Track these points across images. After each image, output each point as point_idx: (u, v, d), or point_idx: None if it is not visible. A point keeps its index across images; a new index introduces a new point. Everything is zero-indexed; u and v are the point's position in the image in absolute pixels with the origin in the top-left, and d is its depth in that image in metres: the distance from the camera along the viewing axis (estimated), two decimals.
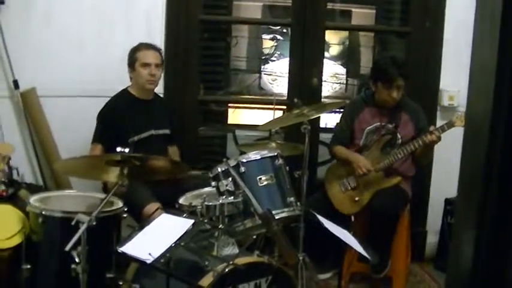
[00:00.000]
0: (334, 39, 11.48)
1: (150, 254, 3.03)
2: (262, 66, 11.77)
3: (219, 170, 3.87)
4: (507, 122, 1.45)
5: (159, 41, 5.33)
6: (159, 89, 5.24)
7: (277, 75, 11.05)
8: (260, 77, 11.48)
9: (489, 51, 1.47)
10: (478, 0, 1.57)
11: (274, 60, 11.76)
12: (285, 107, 5.66)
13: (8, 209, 4.43)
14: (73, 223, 3.39)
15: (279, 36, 11.48)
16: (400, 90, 4.77)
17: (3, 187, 4.70)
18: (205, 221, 3.66)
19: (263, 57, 11.84)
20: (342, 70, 11.78)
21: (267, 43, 11.81)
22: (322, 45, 5.89)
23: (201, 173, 4.65)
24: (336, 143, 5.06)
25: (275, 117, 4.69)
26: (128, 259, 3.28)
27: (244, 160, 3.87)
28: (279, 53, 11.65)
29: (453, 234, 2.24)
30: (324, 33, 5.75)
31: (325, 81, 9.65)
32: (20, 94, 5.25)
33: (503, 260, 1.51)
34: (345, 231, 3.75)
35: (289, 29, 6.31)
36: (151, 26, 5.46)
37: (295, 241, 3.87)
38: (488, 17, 1.49)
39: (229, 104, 6.90)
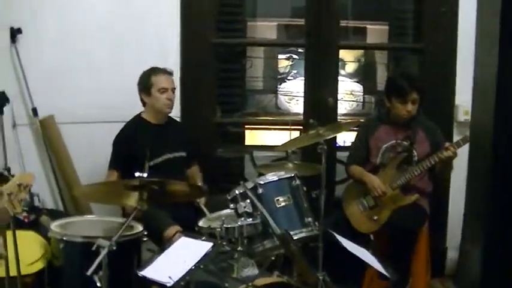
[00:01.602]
0: (349, 56, 11.52)
1: (170, 277, 3.08)
2: (279, 86, 11.79)
3: (237, 192, 3.92)
4: (509, 135, 1.48)
5: (174, 64, 5.38)
6: (176, 113, 5.27)
7: (293, 95, 11.08)
8: (277, 97, 11.50)
9: (489, 66, 1.50)
10: (478, 19, 1.60)
11: (290, 80, 11.78)
12: (301, 127, 5.69)
13: (30, 235, 4.50)
14: (94, 248, 3.42)
15: (294, 56, 11.52)
16: (415, 104, 4.77)
17: (25, 213, 4.77)
18: (224, 243, 3.69)
19: (279, 77, 11.87)
20: (359, 87, 11.80)
21: (283, 62, 11.85)
22: (337, 65, 5.91)
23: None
24: (352, 162, 5.06)
25: (292, 138, 4.72)
26: (149, 282, 3.31)
27: (262, 182, 3.92)
28: (295, 71, 11.68)
29: (461, 247, 2.26)
30: (338, 53, 5.77)
31: (341, 99, 9.65)
32: (39, 121, 5.33)
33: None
34: (364, 250, 3.77)
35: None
36: (166, 50, 5.52)
37: (314, 260, 3.89)
38: (488, 35, 1.53)
39: (246, 126, 6.93)
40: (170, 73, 4.98)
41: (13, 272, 3.77)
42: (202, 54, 5.60)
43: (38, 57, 5.34)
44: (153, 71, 4.93)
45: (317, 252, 3.93)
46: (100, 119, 5.42)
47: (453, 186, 5.56)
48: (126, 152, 4.83)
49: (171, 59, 5.45)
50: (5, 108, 4.46)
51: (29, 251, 4.23)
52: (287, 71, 11.89)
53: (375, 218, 4.77)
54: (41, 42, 5.37)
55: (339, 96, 6.05)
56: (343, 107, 10.81)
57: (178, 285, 3.11)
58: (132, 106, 5.07)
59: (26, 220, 4.71)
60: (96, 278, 3.37)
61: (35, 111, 5.30)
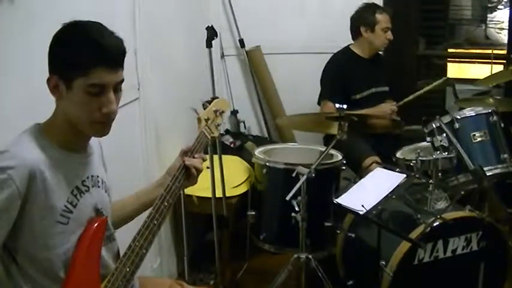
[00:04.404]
0: None
1: (363, 205, 3.17)
2: (489, 15, 11.33)
3: (434, 126, 3.94)
4: None
5: None
6: None
7: (501, 27, 10.60)
8: (486, 27, 11.07)
9: None
10: None
11: (501, 9, 11.29)
12: (504, 61, 5.54)
13: (236, 160, 4.79)
14: (294, 175, 3.59)
15: None
16: None
17: (231, 139, 5.05)
18: (417, 175, 3.74)
19: (489, 6, 11.40)
20: None
21: None
22: None
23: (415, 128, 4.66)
24: None
25: (494, 72, 4.63)
26: (344, 210, 3.42)
27: (459, 117, 3.91)
28: (506, 0, 11.18)
29: None
30: None
31: None
32: (246, 52, 5.58)
33: None
34: None
35: None
36: None
37: (510, 197, 3.87)
38: None
39: (449, 58, 6.81)
40: (391, 14, 5.01)
41: (219, 194, 4.05)
42: None
43: None
44: (378, 8, 4.98)
45: None
46: (304, 50, 5.58)
47: None
48: (338, 83, 4.89)
49: None
50: (213, 41, 4.71)
51: (234, 175, 4.51)
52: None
53: None
54: None
55: None
56: None
57: (371, 213, 3.19)
58: (336, 38, 5.17)
59: (232, 145, 4.99)
60: (294, 202, 3.56)
61: (242, 42, 5.56)
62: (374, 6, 4.97)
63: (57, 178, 2.03)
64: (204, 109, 2.82)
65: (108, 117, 2.10)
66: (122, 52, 2.11)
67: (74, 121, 2.09)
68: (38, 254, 2.01)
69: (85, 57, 2.01)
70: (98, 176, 2.27)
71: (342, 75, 4.91)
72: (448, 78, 4.95)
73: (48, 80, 2.06)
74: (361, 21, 4.93)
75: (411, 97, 4.87)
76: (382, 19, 4.88)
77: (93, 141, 2.27)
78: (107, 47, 2.05)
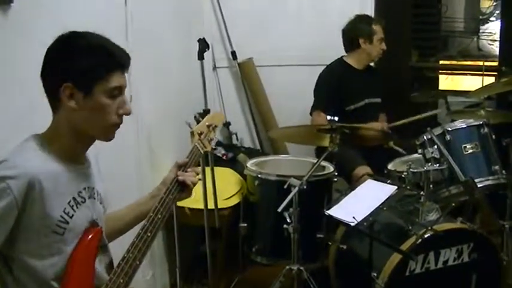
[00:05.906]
0: None
1: (354, 217, 3.18)
2: (481, 27, 11.38)
3: (425, 138, 3.96)
4: None
5: (370, 9, 5.45)
6: None
7: (493, 39, 10.65)
8: (478, 39, 11.11)
9: None
10: None
11: (493, 21, 11.34)
12: (496, 73, 5.56)
13: (228, 172, 4.79)
14: (285, 186, 3.57)
15: None
16: None
17: (223, 151, 5.06)
18: (408, 187, 3.75)
19: (481, 18, 11.45)
20: None
21: (486, 3, 11.42)
22: None
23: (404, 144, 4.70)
24: None
25: (485, 84, 4.65)
26: (335, 221, 3.43)
27: (450, 129, 3.94)
28: (498, 12, 11.23)
29: None
30: None
31: None
32: (238, 64, 5.60)
33: None
34: None
35: None
36: None
37: (502, 209, 3.88)
38: None
39: (440, 70, 6.86)
40: (383, 24, 5.01)
41: (211, 205, 4.05)
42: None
43: (236, 3, 5.62)
44: (372, 19, 5.01)
45: (505, 201, 3.91)
46: (297, 62, 5.60)
47: None
48: (333, 93, 4.90)
49: (368, 4, 5.49)
50: (205, 53, 4.72)
51: (226, 187, 4.51)
52: (490, 11, 11.41)
53: None
54: None
55: None
56: None
57: (362, 225, 3.20)
58: (330, 50, 5.16)
59: (224, 157, 5.00)
60: (286, 214, 3.55)
61: (234, 54, 5.58)
62: (368, 18, 5.01)
63: (55, 189, 2.04)
64: (196, 121, 2.83)
65: (122, 119, 2.18)
66: (129, 57, 2.21)
67: (83, 128, 2.13)
68: (33, 263, 2.02)
69: (103, 64, 2.10)
70: (93, 188, 2.28)
71: (337, 86, 4.92)
72: (439, 112, 5.03)
73: (63, 90, 2.07)
74: (359, 32, 4.94)
75: (403, 121, 4.93)
76: (378, 30, 4.92)
77: (90, 153, 2.29)
78: (118, 53, 2.16)
